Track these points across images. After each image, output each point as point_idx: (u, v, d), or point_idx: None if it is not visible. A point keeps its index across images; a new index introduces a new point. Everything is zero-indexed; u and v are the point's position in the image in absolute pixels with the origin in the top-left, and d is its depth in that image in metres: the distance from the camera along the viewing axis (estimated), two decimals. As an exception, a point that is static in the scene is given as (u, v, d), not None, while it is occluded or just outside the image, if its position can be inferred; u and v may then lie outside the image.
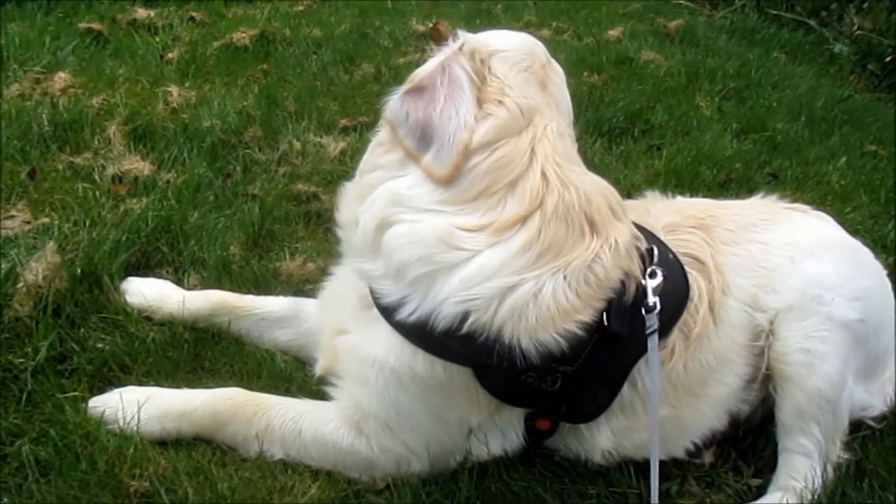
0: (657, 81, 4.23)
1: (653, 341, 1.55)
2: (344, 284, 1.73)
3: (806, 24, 6.41)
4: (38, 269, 1.98)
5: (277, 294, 2.12)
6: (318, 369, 1.75)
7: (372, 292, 1.56)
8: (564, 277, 1.47)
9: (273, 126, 3.09)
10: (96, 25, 3.96)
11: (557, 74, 1.73)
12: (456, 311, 1.44)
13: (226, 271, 2.21)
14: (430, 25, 2.01)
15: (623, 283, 1.55)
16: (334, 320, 1.72)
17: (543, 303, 1.45)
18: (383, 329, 1.54)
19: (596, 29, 5.21)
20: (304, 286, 2.18)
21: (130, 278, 2.11)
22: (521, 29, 4.99)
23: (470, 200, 1.49)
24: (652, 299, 1.56)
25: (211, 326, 2.00)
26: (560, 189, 1.50)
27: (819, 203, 3.11)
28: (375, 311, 1.56)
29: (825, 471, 1.82)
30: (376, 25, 4.55)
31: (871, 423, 2.01)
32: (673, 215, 1.89)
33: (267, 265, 2.27)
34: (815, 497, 1.79)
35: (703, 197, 3.02)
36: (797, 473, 1.80)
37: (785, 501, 1.77)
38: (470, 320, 1.44)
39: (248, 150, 2.91)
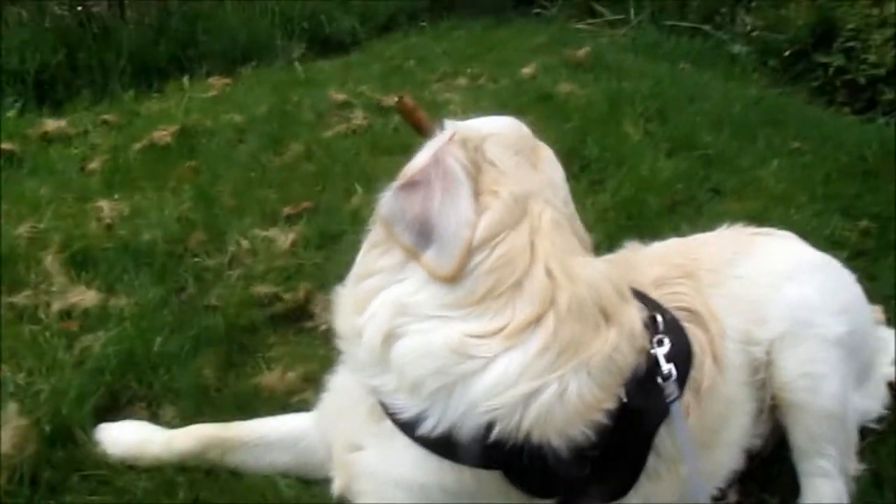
0: (582, 114, 4.30)
1: (676, 409, 1.53)
2: (348, 396, 1.63)
3: (701, 30, 6.67)
4: (5, 436, 1.83)
5: (263, 414, 2.01)
6: (336, 489, 1.65)
7: (385, 406, 1.48)
8: (588, 374, 1.42)
9: (216, 227, 2.97)
10: (7, 145, 3.76)
11: (546, 150, 1.69)
12: (480, 422, 1.38)
13: (203, 398, 2.09)
14: (395, 101, 1.94)
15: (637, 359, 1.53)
16: (344, 435, 1.63)
17: (570, 402, 1.39)
18: (403, 444, 1.46)
19: (509, 69, 5.29)
20: (290, 399, 2.09)
21: (103, 426, 1.97)
22: (438, 80, 5.06)
23: (475, 303, 1.42)
24: (666, 367, 1.53)
25: (203, 464, 1.88)
26: (569, 285, 1.45)
27: (763, 210, 3.22)
28: (389, 423, 1.48)
29: (847, 487, 1.84)
30: (295, 101, 4.50)
31: (874, 426, 2.06)
32: (658, 268, 1.88)
33: (246, 383, 2.16)
34: (845, 515, 1.80)
35: (656, 224, 3.14)
36: (824, 496, 1.82)
37: (819, 526, 1.78)
38: (496, 429, 1.37)
39: (196, 259, 2.79)
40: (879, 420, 2.07)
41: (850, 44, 5.40)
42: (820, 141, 4.05)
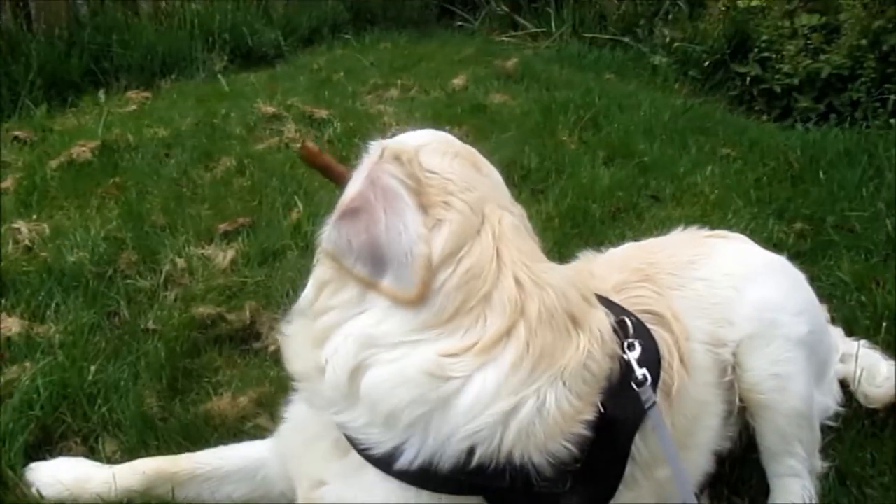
0: (517, 123, 4.30)
1: (655, 414, 1.49)
2: (308, 430, 1.53)
3: (622, 42, 6.82)
4: (-79, 484, 1.65)
5: (216, 443, 1.88)
6: None
7: (354, 441, 1.39)
8: (564, 384, 1.37)
9: (148, 246, 2.80)
10: None
11: (480, 155, 1.62)
12: (461, 448, 1.30)
13: (147, 429, 1.94)
14: (298, 148, 1.81)
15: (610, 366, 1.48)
16: (306, 471, 1.53)
17: (549, 415, 1.34)
18: (375, 479, 1.37)
19: (440, 80, 5.26)
20: (243, 425, 1.96)
21: (36, 465, 1.81)
22: (368, 92, 4.97)
23: (446, 322, 1.35)
24: (640, 372, 1.49)
25: (151, 500, 1.74)
26: (537, 292, 1.39)
27: (702, 215, 3.27)
28: (356, 457, 1.39)
29: (815, 485, 1.86)
30: (222, 113, 4.33)
31: (830, 423, 2.09)
32: (617, 273, 1.86)
33: (193, 410, 2.02)
34: (815, 513, 1.81)
35: (599, 231, 3.15)
36: (794, 495, 1.84)
37: (792, 526, 1.78)
38: (477, 454, 1.30)
39: (128, 280, 2.61)
40: (836, 417, 2.10)
41: (765, 54, 5.58)
42: (748, 147, 4.16)
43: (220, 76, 5.40)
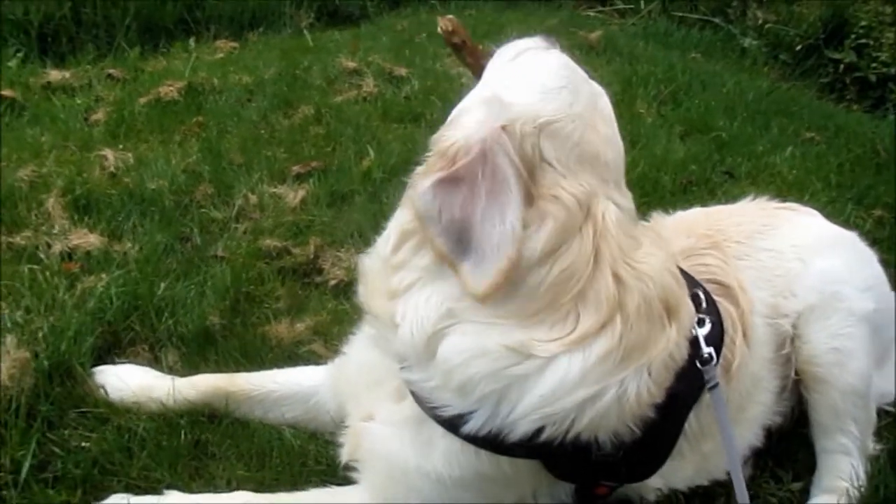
0: (595, 93, 4.24)
1: (716, 395, 1.48)
2: (371, 370, 1.55)
3: (712, 22, 6.63)
4: (1, 367, 1.77)
5: (270, 362, 1.96)
6: (344, 455, 1.60)
7: (419, 398, 1.40)
8: (649, 374, 1.37)
9: (224, 181, 2.91)
10: (8, 93, 3.67)
11: (606, 119, 1.48)
12: (531, 427, 1.32)
13: (209, 343, 2.04)
14: (442, 23, 1.72)
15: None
16: (360, 406, 1.58)
17: (626, 403, 1.34)
18: (434, 434, 1.40)
19: (522, 47, 5.21)
20: (298, 349, 2.03)
21: (103, 368, 1.91)
22: (449, 54, 4.95)
23: (531, 315, 1.33)
24: (707, 350, 1.47)
25: (205, 409, 1.83)
26: (637, 285, 1.36)
27: (777, 195, 3.17)
28: (415, 407, 1.42)
29: (864, 466, 1.81)
30: (304, 66, 4.41)
31: (889, 408, 2.03)
32: (684, 238, 1.83)
33: (252, 331, 2.10)
34: (862, 493, 1.77)
35: (670, 204, 3.09)
36: (842, 473, 1.79)
37: (835, 502, 1.75)
38: (546, 433, 1.32)
39: (202, 210, 2.72)
40: (895, 403, 2.04)
41: (862, 41, 5.37)
42: (833, 132, 4.02)
43: (305, 32, 5.48)
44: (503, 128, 1.34)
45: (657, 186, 3.17)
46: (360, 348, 1.65)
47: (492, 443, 1.35)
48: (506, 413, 1.32)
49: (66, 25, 4.77)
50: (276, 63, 4.51)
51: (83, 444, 1.71)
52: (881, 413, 1.99)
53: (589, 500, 1.56)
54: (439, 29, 1.70)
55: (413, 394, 1.41)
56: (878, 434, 1.92)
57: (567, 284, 1.33)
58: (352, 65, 4.40)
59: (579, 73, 1.53)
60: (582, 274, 1.33)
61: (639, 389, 1.35)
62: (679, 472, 1.63)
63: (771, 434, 1.86)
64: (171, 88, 3.78)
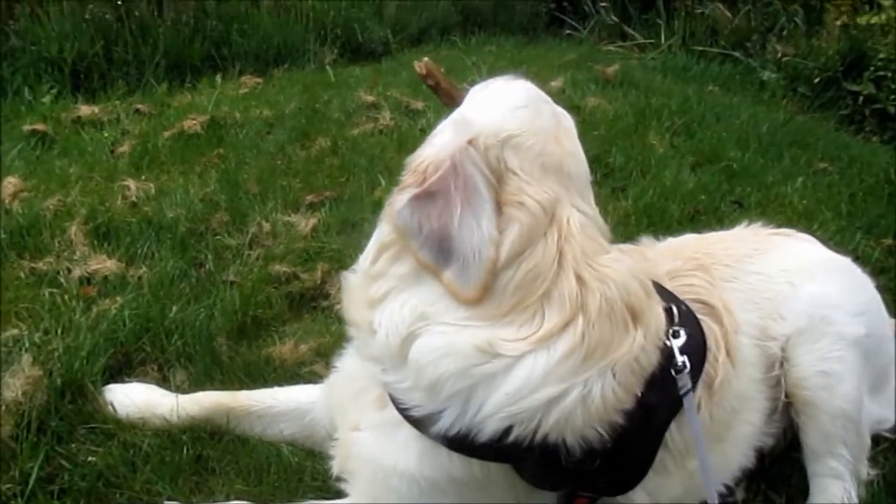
0: (608, 125, 4.31)
1: (689, 401, 1.50)
2: (356, 380, 1.62)
3: (731, 56, 6.68)
4: (15, 384, 1.86)
5: (273, 382, 2.02)
6: (335, 467, 1.65)
7: (395, 400, 1.46)
8: (614, 376, 1.40)
9: (239, 210, 3.02)
10: (40, 126, 3.85)
11: (568, 135, 1.57)
12: (499, 427, 1.36)
13: (214, 363, 2.11)
14: (418, 66, 1.84)
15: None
16: (347, 417, 1.63)
17: (592, 404, 1.37)
18: (409, 436, 1.45)
19: (537, 81, 5.25)
20: (300, 370, 2.10)
21: (112, 386, 2.00)
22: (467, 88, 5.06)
23: (501, 316, 1.38)
24: (680, 359, 1.51)
25: (207, 427, 1.89)
26: (599, 287, 1.41)
27: (786, 224, 3.18)
28: (394, 412, 1.47)
29: (857, 490, 1.81)
30: (324, 100, 4.55)
31: (888, 434, 2.03)
32: (671, 260, 1.86)
33: (257, 353, 2.17)
34: (854, 519, 1.77)
35: (676, 232, 3.12)
36: (834, 497, 1.78)
37: (826, 528, 1.74)
38: (514, 433, 1.36)
39: (217, 237, 2.83)
40: (894, 430, 2.03)
41: (881, 73, 5.37)
42: (847, 163, 4.03)
43: (328, 67, 5.66)
44: (469, 142, 1.43)
45: (664, 215, 3.20)
46: (347, 361, 1.71)
47: (461, 443, 1.38)
48: (474, 412, 1.36)
49: (98, 63, 4.97)
50: (297, 97, 4.66)
51: (90, 458, 1.78)
52: (878, 439, 1.98)
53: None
54: (417, 71, 1.81)
55: (391, 397, 1.46)
56: (874, 460, 1.91)
57: (533, 285, 1.39)
58: (370, 98, 4.53)
59: (542, 95, 1.62)
60: (547, 275, 1.39)
61: (604, 391, 1.37)
62: (665, 489, 1.63)
63: (763, 456, 1.87)
64: (194, 122, 3.94)
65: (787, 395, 1.82)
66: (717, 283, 1.83)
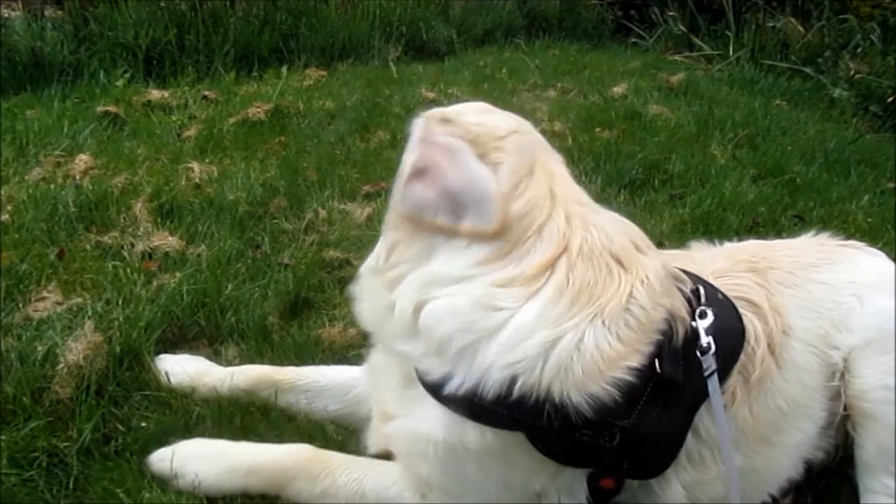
0: (669, 133, 4.26)
1: (713, 383, 1.48)
2: (384, 370, 1.67)
3: (802, 71, 6.52)
4: (77, 349, 1.93)
5: (321, 363, 2.06)
6: (372, 448, 1.70)
7: (417, 372, 1.50)
8: (603, 322, 1.40)
9: (297, 196, 3.08)
10: (113, 108, 4.01)
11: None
12: (503, 377, 1.37)
13: (266, 341, 2.16)
14: None
15: (670, 324, 1.48)
16: (379, 401, 1.68)
17: (587, 353, 1.38)
18: (430, 405, 1.48)
19: (600, 87, 5.28)
20: (348, 353, 2.12)
21: (165, 356, 2.06)
22: (528, 90, 5.07)
23: (505, 255, 1.44)
24: (705, 339, 1.49)
25: (256, 400, 1.93)
26: (582, 230, 1.46)
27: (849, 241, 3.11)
28: (419, 388, 1.50)
29: (912, 512, 1.75)
30: (386, 94, 4.61)
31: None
32: (721, 261, 1.83)
33: (307, 333, 2.21)
34: (907, 541, 1.71)
35: (731, 241, 3.07)
36: (885, 515, 1.73)
37: (878, 548, 1.69)
38: (518, 384, 1.37)
39: (274, 221, 2.89)
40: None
41: (960, 95, 5.19)
42: (917, 183, 3.89)
43: (391, 64, 5.72)
44: (426, 119, 1.55)
45: (722, 225, 3.15)
46: (377, 357, 1.74)
47: (471, 404, 1.40)
48: (478, 365, 1.38)
49: (171, 50, 5.14)
50: (359, 91, 4.73)
51: (142, 423, 1.84)
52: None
53: (600, 497, 1.54)
54: None
55: (414, 371, 1.50)
56: (929, 483, 1.85)
57: (532, 216, 1.45)
58: (431, 95, 4.57)
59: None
60: (543, 205, 1.46)
61: (597, 340, 1.38)
62: (704, 485, 1.59)
63: (811, 469, 1.82)
64: (259, 110, 4.03)
65: (845, 407, 1.76)
66: (772, 286, 1.78)
